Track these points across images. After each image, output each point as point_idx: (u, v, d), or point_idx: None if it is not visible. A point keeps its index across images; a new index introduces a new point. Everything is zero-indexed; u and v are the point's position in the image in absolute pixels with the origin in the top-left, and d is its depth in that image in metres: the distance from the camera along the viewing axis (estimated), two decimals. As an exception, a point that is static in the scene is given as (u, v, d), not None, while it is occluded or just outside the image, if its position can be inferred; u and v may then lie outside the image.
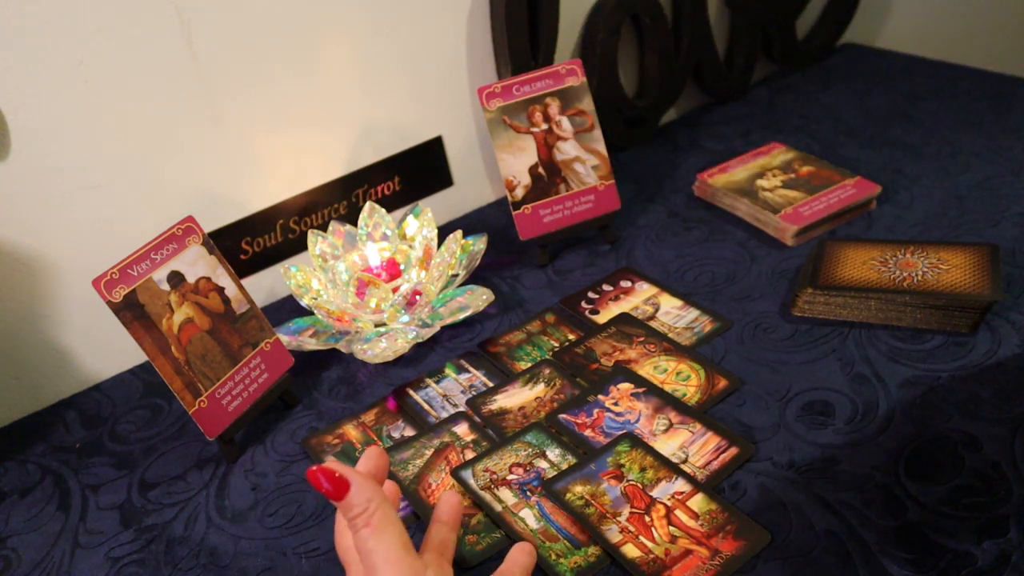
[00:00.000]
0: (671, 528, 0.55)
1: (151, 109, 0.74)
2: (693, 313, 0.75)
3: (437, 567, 0.45)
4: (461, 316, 0.77)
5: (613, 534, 0.55)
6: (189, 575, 0.59)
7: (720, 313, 0.74)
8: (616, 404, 0.66)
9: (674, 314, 0.75)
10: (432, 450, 0.65)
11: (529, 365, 0.72)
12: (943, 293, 0.67)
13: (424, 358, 0.76)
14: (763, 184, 0.88)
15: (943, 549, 0.51)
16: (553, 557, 0.55)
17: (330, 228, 0.82)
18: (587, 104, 0.83)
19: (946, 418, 0.60)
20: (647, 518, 0.56)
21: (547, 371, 0.71)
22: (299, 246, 0.87)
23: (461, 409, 0.69)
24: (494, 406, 0.68)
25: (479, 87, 0.81)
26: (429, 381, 0.73)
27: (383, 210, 0.82)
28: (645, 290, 0.79)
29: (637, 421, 0.64)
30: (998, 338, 0.66)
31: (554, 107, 0.82)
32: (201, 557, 0.60)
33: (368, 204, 0.82)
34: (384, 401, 0.72)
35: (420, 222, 0.82)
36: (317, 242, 0.80)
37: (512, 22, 0.87)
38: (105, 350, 0.79)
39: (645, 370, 0.69)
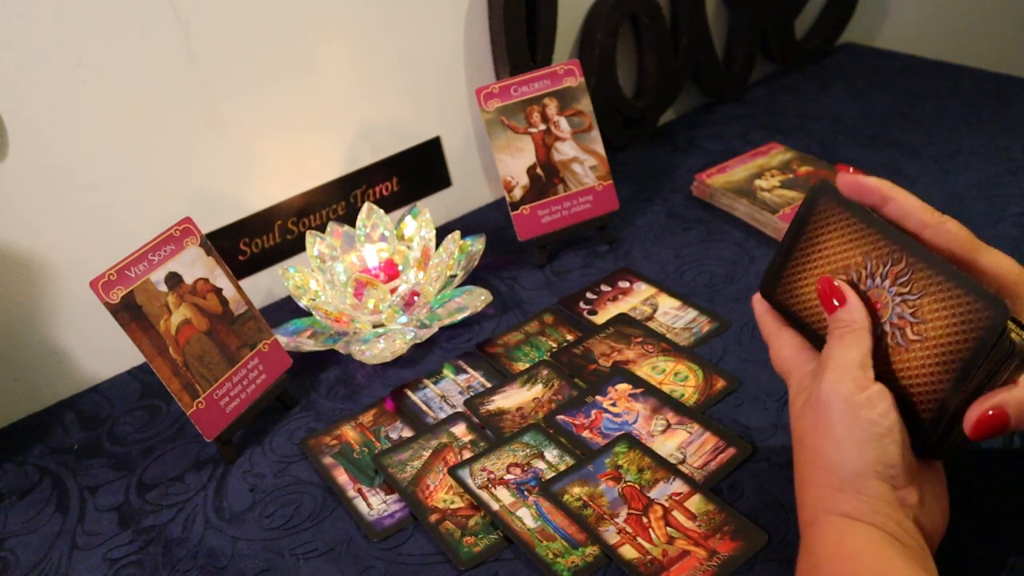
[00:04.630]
0: (669, 529, 0.55)
1: (149, 110, 0.74)
2: (691, 313, 0.75)
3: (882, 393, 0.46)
4: (459, 317, 0.77)
5: (611, 535, 0.55)
6: (187, 576, 0.59)
7: (718, 313, 0.74)
8: (614, 405, 0.66)
9: (672, 314, 0.75)
10: (430, 451, 0.65)
11: (527, 366, 0.72)
12: None
13: (422, 359, 0.76)
14: (761, 184, 0.88)
15: (939, 550, 0.51)
16: (551, 556, 0.55)
17: (328, 229, 0.82)
18: (585, 104, 0.83)
19: (944, 418, 0.60)
20: (645, 519, 0.56)
21: (545, 372, 0.71)
22: (297, 247, 0.87)
23: (459, 410, 0.69)
24: (492, 407, 0.68)
25: (477, 88, 0.81)
26: (427, 382, 0.73)
27: (381, 211, 0.82)
28: (643, 290, 0.79)
29: (635, 422, 0.64)
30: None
31: (552, 107, 0.82)
32: (199, 558, 0.60)
33: (366, 205, 0.82)
34: (382, 402, 0.72)
35: (418, 223, 0.82)
36: (315, 243, 0.80)
37: (510, 22, 0.87)
38: (103, 351, 0.79)
39: (643, 371, 0.69)
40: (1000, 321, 0.42)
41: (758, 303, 0.56)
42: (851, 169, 0.50)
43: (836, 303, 0.48)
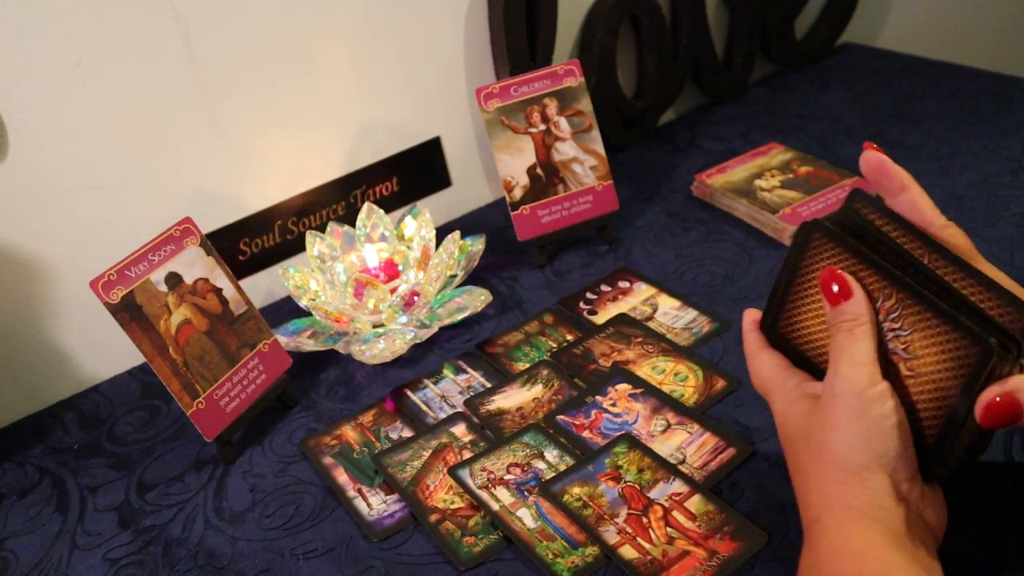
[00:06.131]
0: (669, 529, 0.55)
1: (149, 110, 0.74)
2: (691, 313, 0.75)
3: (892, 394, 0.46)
4: (459, 317, 0.77)
5: (611, 535, 0.55)
6: (187, 576, 0.59)
7: (718, 313, 0.74)
8: (614, 405, 0.66)
9: (672, 314, 0.75)
10: (430, 451, 0.65)
11: (527, 366, 0.72)
12: None
13: (422, 359, 0.76)
14: (761, 184, 0.88)
15: (940, 550, 0.51)
16: (550, 557, 0.55)
17: (328, 229, 0.82)
18: (585, 104, 0.83)
19: (944, 419, 0.60)
20: (645, 519, 0.56)
21: (545, 372, 0.71)
22: (297, 247, 0.87)
23: (459, 410, 0.69)
24: (492, 407, 0.68)
25: (477, 88, 0.81)
26: (427, 382, 0.73)
27: (381, 211, 0.82)
28: (643, 291, 0.79)
29: (635, 422, 0.64)
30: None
31: (552, 108, 0.82)
32: (199, 558, 0.60)
33: (366, 205, 0.82)
34: (382, 402, 0.72)
35: (418, 223, 0.82)
36: (315, 243, 0.80)
37: (510, 22, 0.87)
38: (103, 351, 0.79)
39: (643, 371, 0.69)
40: (986, 359, 0.42)
41: (748, 316, 0.57)
42: (875, 146, 0.50)
43: (838, 292, 0.48)
